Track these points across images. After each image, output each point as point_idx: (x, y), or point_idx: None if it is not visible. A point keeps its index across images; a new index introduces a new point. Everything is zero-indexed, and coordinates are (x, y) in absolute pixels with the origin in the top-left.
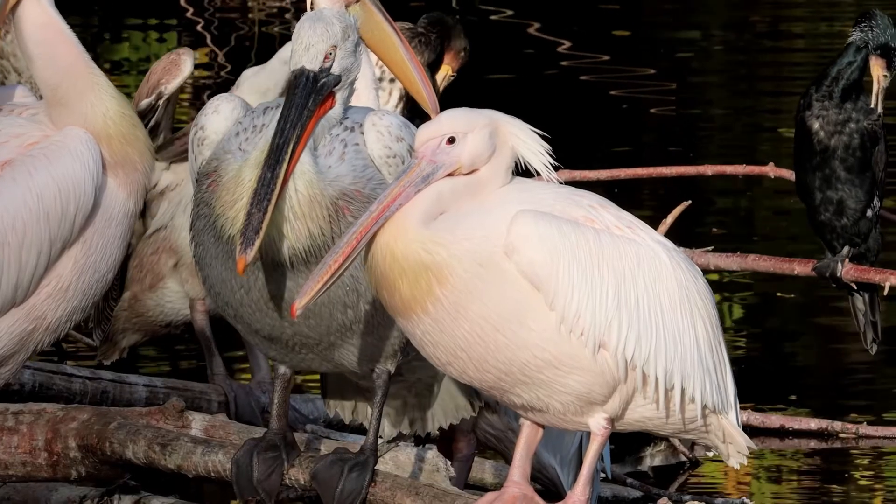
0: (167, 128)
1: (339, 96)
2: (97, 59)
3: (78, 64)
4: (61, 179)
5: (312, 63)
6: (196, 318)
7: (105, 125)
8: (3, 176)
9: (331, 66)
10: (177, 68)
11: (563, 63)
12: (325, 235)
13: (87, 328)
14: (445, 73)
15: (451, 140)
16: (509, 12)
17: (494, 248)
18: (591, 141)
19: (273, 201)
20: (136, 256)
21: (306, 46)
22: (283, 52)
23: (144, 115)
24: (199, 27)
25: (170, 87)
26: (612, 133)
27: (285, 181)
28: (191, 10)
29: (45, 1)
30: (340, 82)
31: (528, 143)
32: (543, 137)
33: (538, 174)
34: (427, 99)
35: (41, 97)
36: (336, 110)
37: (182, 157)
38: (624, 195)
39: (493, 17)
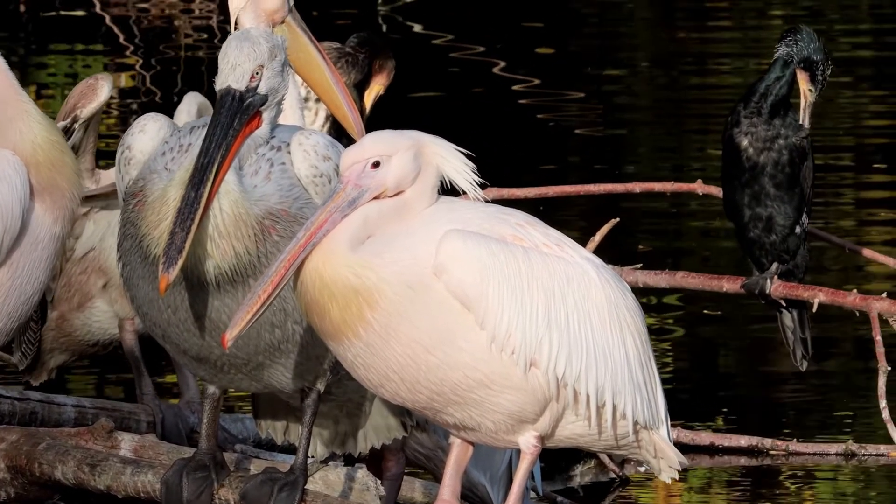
0: (87, 151)
1: (266, 116)
2: (23, 81)
3: (7, 91)
4: None
5: (239, 82)
6: (125, 338)
7: (34, 152)
8: None
9: (257, 85)
10: (93, 93)
11: (489, 77)
12: (251, 255)
13: (10, 349)
14: (376, 91)
15: (376, 164)
16: (440, 33)
17: (423, 269)
18: (518, 160)
19: (196, 221)
20: (65, 276)
21: (233, 66)
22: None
23: None
24: (127, 52)
25: (85, 111)
26: (539, 152)
27: (210, 200)
28: (121, 36)
29: None
30: (267, 102)
31: (452, 162)
32: (468, 156)
33: (465, 193)
34: (352, 122)
35: None
36: (263, 130)
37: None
38: (551, 213)
39: (416, 31)
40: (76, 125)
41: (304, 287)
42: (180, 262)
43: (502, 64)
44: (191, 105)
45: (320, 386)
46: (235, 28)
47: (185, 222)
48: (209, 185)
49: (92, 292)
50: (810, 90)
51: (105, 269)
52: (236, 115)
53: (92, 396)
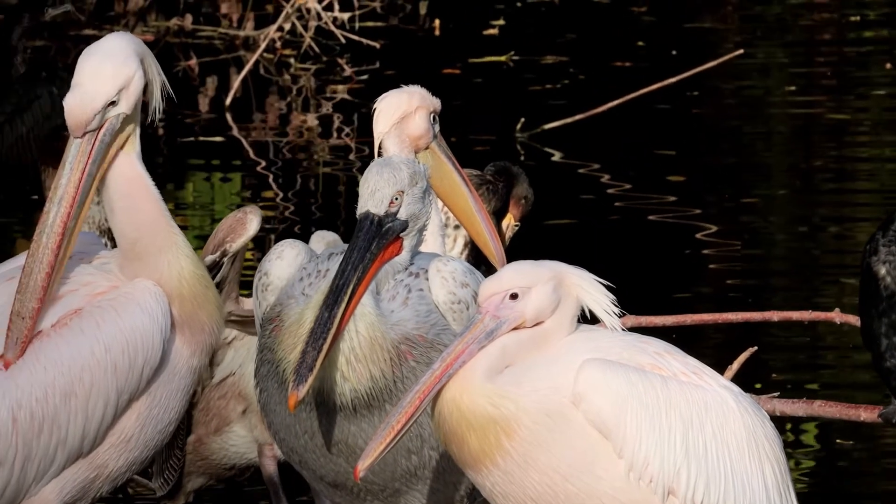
0: (233, 281)
1: (407, 243)
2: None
3: (159, 221)
4: (129, 332)
5: (378, 207)
6: (264, 464)
7: (179, 284)
8: (71, 327)
9: (397, 211)
10: (243, 227)
11: (620, 204)
12: (387, 379)
13: (149, 474)
14: (509, 222)
15: (515, 295)
16: (576, 160)
17: (562, 398)
18: (653, 288)
19: (329, 340)
20: (203, 401)
21: (372, 190)
22: None
23: (209, 271)
24: (260, 168)
25: (235, 245)
26: (673, 280)
27: (343, 322)
28: (260, 162)
29: (135, 155)
30: (407, 228)
31: (593, 293)
32: (608, 287)
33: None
34: (493, 250)
35: (113, 246)
36: (403, 257)
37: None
38: (686, 341)
39: (553, 159)
40: (224, 259)
41: (442, 417)
42: (310, 381)
43: (636, 192)
44: (318, 244)
45: None
46: (379, 153)
47: (317, 341)
48: (343, 305)
49: (231, 417)
50: None
51: (244, 395)
52: (374, 238)
53: None
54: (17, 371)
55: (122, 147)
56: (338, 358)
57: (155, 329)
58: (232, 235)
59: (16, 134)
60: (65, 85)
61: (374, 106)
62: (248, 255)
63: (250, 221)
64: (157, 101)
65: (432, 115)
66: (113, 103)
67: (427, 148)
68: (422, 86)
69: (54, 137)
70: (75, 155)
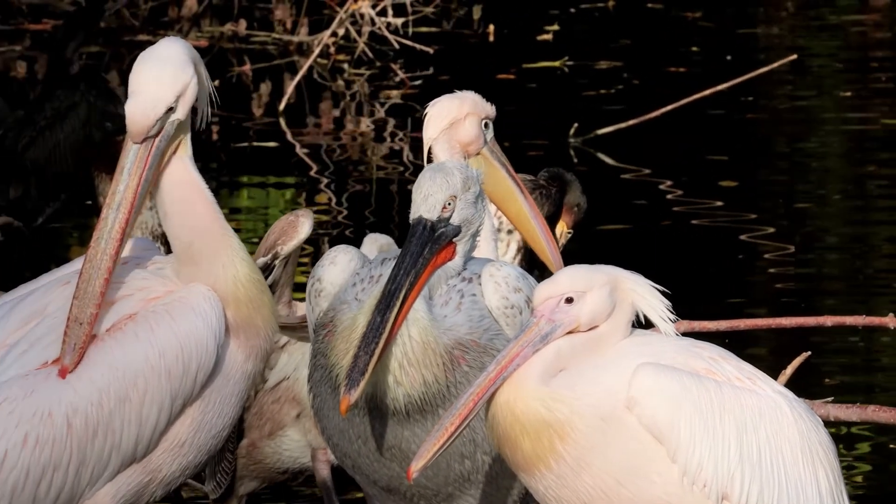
0: (285, 285)
1: (460, 248)
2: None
3: (213, 224)
4: (184, 337)
5: (430, 212)
6: (318, 468)
7: (235, 288)
8: (125, 331)
9: (450, 216)
10: (294, 230)
11: (673, 209)
12: (440, 384)
13: (202, 478)
14: (562, 229)
15: (570, 299)
16: (629, 165)
17: (616, 402)
18: (705, 293)
19: (381, 345)
20: (257, 405)
21: (425, 196)
22: None
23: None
24: (313, 172)
25: (286, 248)
26: (726, 285)
27: (396, 326)
28: (313, 166)
29: (188, 159)
30: (460, 233)
31: (648, 299)
32: (663, 292)
33: (656, 326)
34: (549, 255)
35: (167, 251)
36: (456, 262)
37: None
38: (739, 346)
39: (606, 163)
40: (276, 262)
41: (496, 420)
42: (362, 385)
43: (689, 197)
44: (371, 247)
45: None
46: (428, 158)
47: (368, 346)
48: (395, 310)
49: (284, 422)
50: None
51: (299, 400)
52: (427, 244)
53: None
54: (73, 376)
55: (174, 152)
56: (391, 363)
57: (209, 334)
58: (283, 238)
59: (53, 140)
60: (102, 95)
61: (425, 111)
62: (303, 259)
63: (302, 224)
64: (205, 107)
65: (484, 122)
66: (171, 109)
67: (478, 154)
68: (476, 91)
69: (90, 146)
70: (133, 161)
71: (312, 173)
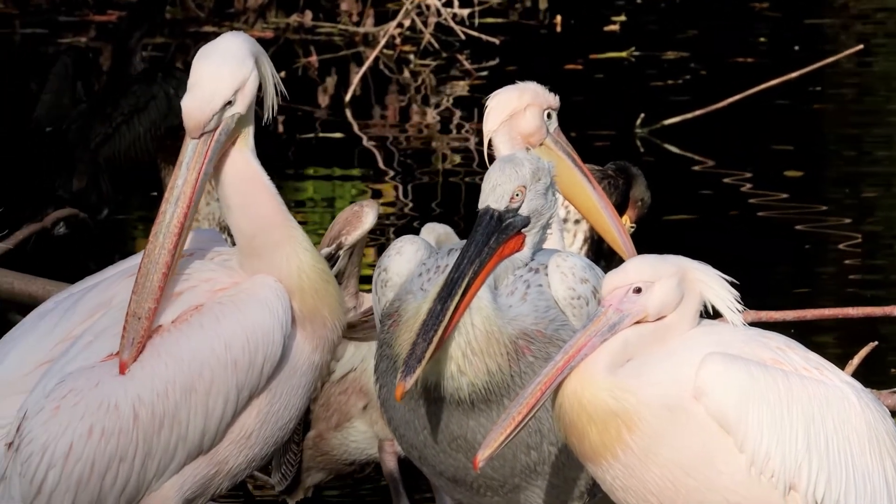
0: (351, 275)
1: (529, 240)
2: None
3: (276, 216)
4: (250, 328)
5: (498, 203)
6: (385, 460)
7: (299, 279)
8: (191, 323)
9: (518, 206)
10: (358, 220)
11: (738, 199)
12: (504, 373)
13: (269, 469)
14: (625, 222)
15: (638, 289)
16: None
17: (683, 391)
18: (771, 283)
19: (440, 332)
20: (323, 396)
21: (493, 186)
22: None
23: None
24: (379, 164)
25: (350, 238)
26: (792, 275)
27: (457, 315)
28: (379, 159)
29: (249, 152)
30: (529, 224)
31: (716, 290)
32: (731, 283)
33: (723, 316)
34: (620, 243)
35: (233, 242)
36: (524, 253)
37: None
38: (805, 336)
39: (673, 153)
40: (340, 252)
41: (563, 410)
42: (418, 372)
43: (754, 187)
44: (429, 237)
45: None
46: (489, 150)
47: (427, 333)
48: (456, 298)
49: (351, 413)
50: None
51: (366, 391)
52: (493, 233)
53: None
54: (138, 367)
55: (233, 144)
56: (454, 351)
57: (275, 325)
58: (347, 228)
59: (133, 134)
60: (181, 85)
61: (485, 103)
62: (368, 251)
63: (366, 215)
64: (271, 100)
65: (546, 112)
66: (229, 104)
67: (541, 144)
68: (542, 82)
69: (170, 137)
70: (192, 155)
71: (379, 165)
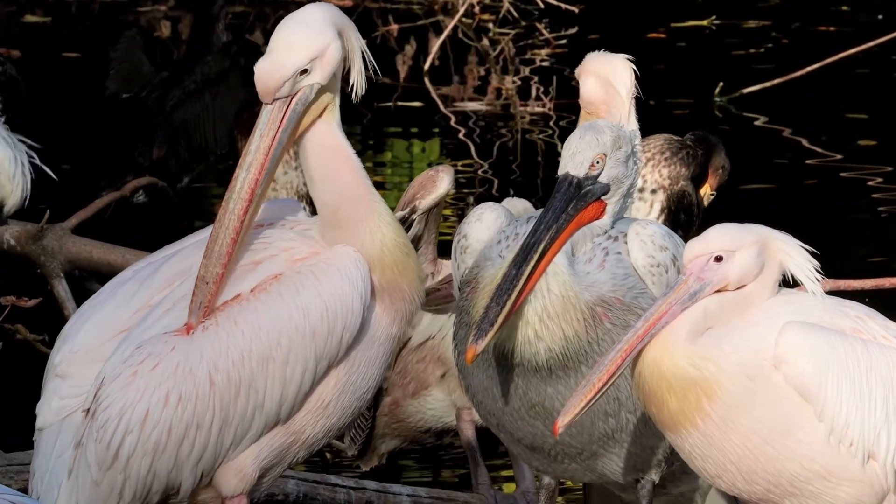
0: (429, 242)
1: (610, 208)
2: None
3: (360, 189)
4: (329, 297)
5: (577, 169)
6: (462, 428)
7: (381, 252)
8: (270, 291)
9: (598, 174)
10: (433, 185)
11: (817, 168)
12: (581, 339)
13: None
14: (706, 191)
15: (719, 258)
16: (773, 125)
17: (763, 360)
18: (848, 252)
19: (513, 297)
20: (401, 363)
21: (573, 153)
22: None
23: None
24: (459, 133)
25: (424, 202)
26: (870, 244)
27: (532, 280)
28: (459, 128)
29: (335, 124)
30: (609, 191)
31: (797, 259)
32: (811, 253)
33: (802, 285)
34: None
35: (313, 212)
36: (604, 221)
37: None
38: (881, 306)
39: (756, 124)
40: (415, 216)
41: (642, 378)
42: (490, 335)
43: (833, 156)
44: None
45: (654, 477)
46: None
47: (501, 297)
48: (532, 263)
49: (429, 381)
50: None
51: (444, 360)
52: (571, 200)
53: (426, 485)
54: (215, 334)
55: (320, 116)
56: (531, 317)
57: (355, 295)
58: (422, 192)
59: (201, 105)
60: (254, 57)
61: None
62: (448, 217)
63: (441, 180)
64: (359, 72)
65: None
66: (305, 72)
67: None
68: (624, 51)
69: (246, 110)
70: (266, 122)
71: (458, 135)
